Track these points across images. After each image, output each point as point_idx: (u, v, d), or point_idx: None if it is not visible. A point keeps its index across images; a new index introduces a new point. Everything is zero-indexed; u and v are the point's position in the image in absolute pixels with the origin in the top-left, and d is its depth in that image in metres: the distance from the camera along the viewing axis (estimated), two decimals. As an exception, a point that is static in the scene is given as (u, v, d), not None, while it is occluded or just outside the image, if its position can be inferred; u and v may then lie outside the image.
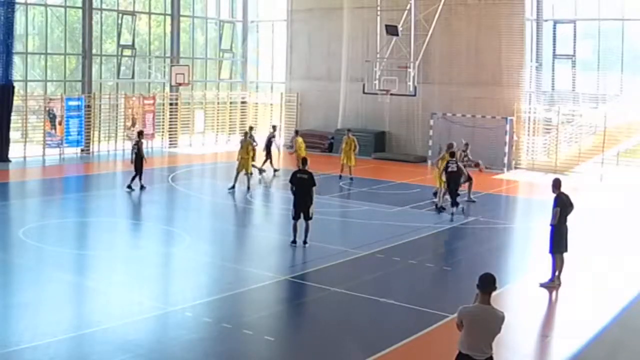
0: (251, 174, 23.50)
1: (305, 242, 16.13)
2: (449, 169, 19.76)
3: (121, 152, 31.69)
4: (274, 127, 28.96)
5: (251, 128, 26.21)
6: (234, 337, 11.09)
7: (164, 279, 14.68)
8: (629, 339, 11.78)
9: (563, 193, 13.88)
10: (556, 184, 13.92)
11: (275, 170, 26.73)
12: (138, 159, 22.50)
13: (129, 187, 22.48)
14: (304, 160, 16.76)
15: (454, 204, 19.72)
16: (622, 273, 15.37)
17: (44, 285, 13.14)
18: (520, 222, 21.81)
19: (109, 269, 14.79)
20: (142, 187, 22.53)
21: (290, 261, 15.68)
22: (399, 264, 15.48)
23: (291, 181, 16.45)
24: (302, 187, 16.19)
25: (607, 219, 21.23)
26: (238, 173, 23.07)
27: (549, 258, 14.02)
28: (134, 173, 22.56)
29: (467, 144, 23.11)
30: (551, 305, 13.58)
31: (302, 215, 16.15)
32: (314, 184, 16.21)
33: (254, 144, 23.89)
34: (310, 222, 16.15)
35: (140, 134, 23.77)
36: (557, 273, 13.92)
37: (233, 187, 22.94)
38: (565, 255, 13.90)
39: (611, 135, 28.87)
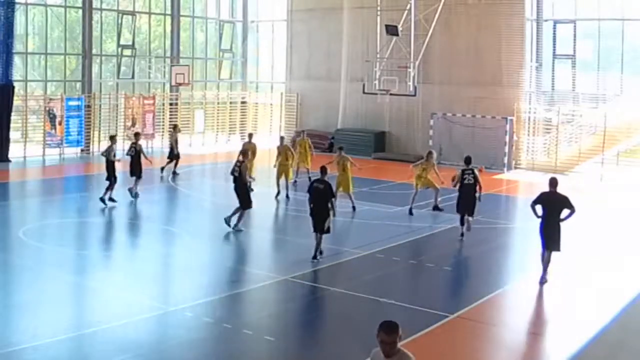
0: (295, 181, 23.57)
1: (314, 258, 14.96)
2: (466, 181, 17.04)
3: (121, 152, 31.58)
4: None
5: (250, 135, 25.06)
6: (234, 337, 11.09)
7: (164, 279, 14.69)
8: (629, 339, 11.78)
9: (547, 192, 13.92)
10: (551, 183, 13.97)
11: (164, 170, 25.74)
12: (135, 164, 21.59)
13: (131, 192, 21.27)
14: (324, 169, 15.33)
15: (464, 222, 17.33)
16: (622, 273, 15.38)
17: (44, 285, 13.13)
18: (520, 222, 21.77)
19: (109, 269, 14.82)
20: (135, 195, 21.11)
21: (290, 261, 15.66)
22: (399, 264, 15.49)
23: (309, 191, 15.31)
24: (318, 198, 14.95)
25: (607, 219, 21.23)
26: (279, 179, 22.45)
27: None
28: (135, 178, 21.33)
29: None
30: (551, 305, 13.58)
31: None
32: (333, 196, 15.05)
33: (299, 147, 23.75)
34: (323, 236, 14.94)
35: (137, 135, 22.82)
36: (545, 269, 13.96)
37: (278, 193, 22.35)
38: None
39: (611, 135, 28.86)
